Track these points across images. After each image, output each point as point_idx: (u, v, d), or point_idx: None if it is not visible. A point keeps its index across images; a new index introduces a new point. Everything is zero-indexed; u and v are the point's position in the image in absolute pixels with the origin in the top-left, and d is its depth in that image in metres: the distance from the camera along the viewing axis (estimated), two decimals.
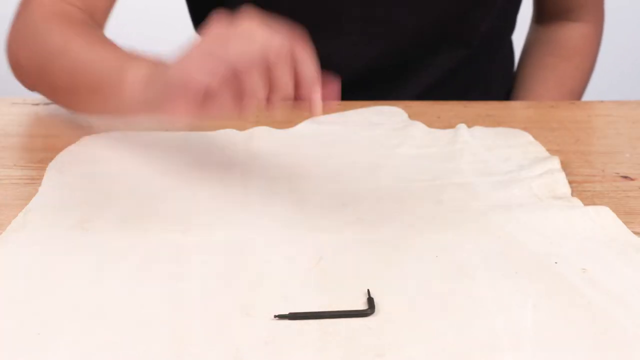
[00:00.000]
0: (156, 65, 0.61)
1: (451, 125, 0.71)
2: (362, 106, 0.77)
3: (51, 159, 0.63)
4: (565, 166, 0.61)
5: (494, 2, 0.83)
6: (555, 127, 0.73)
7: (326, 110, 0.56)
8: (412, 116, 0.74)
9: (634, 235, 0.51)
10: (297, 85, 0.53)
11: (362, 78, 0.81)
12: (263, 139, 0.68)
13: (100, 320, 0.42)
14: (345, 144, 0.67)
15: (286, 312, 0.42)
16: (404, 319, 0.42)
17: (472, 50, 0.87)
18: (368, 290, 0.44)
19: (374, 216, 0.54)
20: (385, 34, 0.83)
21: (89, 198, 0.57)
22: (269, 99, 0.52)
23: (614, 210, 0.53)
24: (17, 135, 0.71)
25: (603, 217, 0.53)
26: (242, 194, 0.58)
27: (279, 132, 0.70)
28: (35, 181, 0.60)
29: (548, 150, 0.65)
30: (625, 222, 0.52)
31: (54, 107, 0.79)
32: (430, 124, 0.71)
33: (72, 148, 0.66)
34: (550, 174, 0.59)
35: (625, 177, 0.61)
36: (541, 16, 0.96)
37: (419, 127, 0.70)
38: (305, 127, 0.71)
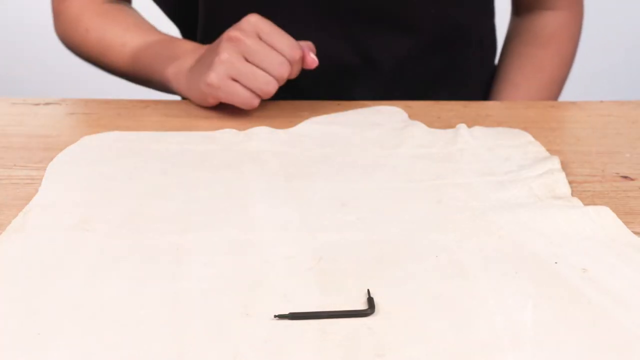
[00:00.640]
0: (193, 60, 0.77)
1: (451, 125, 0.71)
2: (361, 106, 0.77)
3: (51, 159, 0.64)
4: (565, 166, 0.61)
5: None
6: (555, 127, 0.73)
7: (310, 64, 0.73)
8: (412, 116, 0.74)
9: (634, 235, 0.51)
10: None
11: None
12: (263, 139, 0.68)
13: (100, 320, 0.42)
14: (345, 144, 0.67)
15: (286, 312, 0.42)
16: (404, 319, 0.42)
17: (425, 37, 0.86)
18: (368, 290, 0.44)
19: (374, 216, 0.54)
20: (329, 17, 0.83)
21: (89, 198, 0.57)
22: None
23: (614, 210, 0.53)
24: (17, 135, 0.71)
25: (603, 217, 0.53)
26: (242, 193, 0.58)
27: (279, 132, 0.70)
28: (35, 181, 0.60)
29: (548, 150, 0.65)
30: (625, 222, 0.52)
31: (54, 107, 0.79)
32: (430, 124, 0.71)
33: (72, 148, 0.66)
34: (550, 174, 0.59)
35: (625, 177, 0.61)
36: (518, 8, 0.96)
37: (419, 127, 0.70)
38: (305, 127, 0.71)
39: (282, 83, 0.71)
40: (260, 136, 0.68)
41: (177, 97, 0.97)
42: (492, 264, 0.47)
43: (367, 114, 0.74)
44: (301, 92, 0.83)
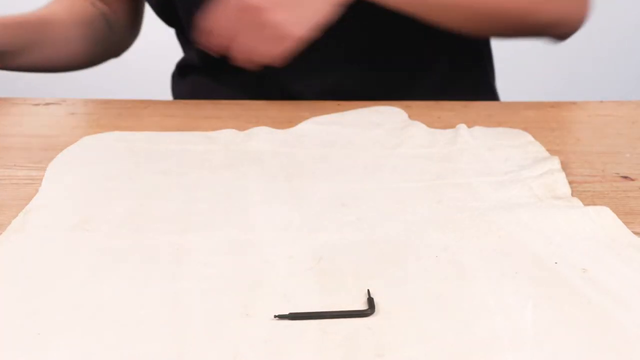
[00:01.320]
0: None
1: (451, 125, 0.71)
2: (362, 106, 0.77)
3: (51, 159, 0.64)
4: (565, 166, 0.61)
5: None
6: (555, 127, 0.73)
7: None
8: (412, 116, 0.74)
9: (634, 235, 0.51)
10: None
11: None
12: (263, 139, 0.68)
13: (100, 320, 0.42)
14: (345, 144, 0.67)
15: (286, 312, 0.42)
16: (404, 319, 0.42)
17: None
18: (368, 291, 0.44)
19: (374, 216, 0.54)
20: None
21: (89, 198, 0.57)
22: None
23: (614, 211, 0.53)
24: (17, 135, 0.71)
25: (603, 217, 0.52)
26: (242, 193, 0.58)
27: (279, 132, 0.70)
28: (35, 181, 0.60)
29: (548, 150, 0.65)
30: (626, 223, 0.52)
31: (54, 107, 0.79)
32: (430, 124, 0.71)
33: (72, 148, 0.66)
34: (550, 174, 0.59)
35: (626, 177, 0.61)
36: None
37: (419, 127, 0.70)
38: (305, 127, 0.71)
39: None
40: (260, 136, 0.68)
41: (177, 98, 0.98)
42: (492, 264, 0.47)
43: (367, 114, 0.74)
44: None
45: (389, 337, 0.41)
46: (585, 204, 0.55)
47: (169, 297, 0.44)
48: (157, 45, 1.51)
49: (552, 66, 2.15)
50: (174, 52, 1.03)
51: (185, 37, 0.94)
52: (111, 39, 0.96)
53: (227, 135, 0.69)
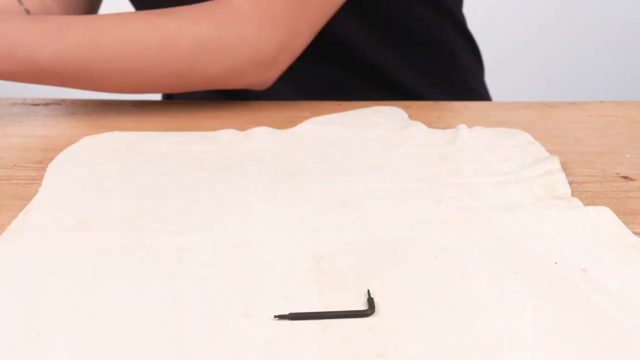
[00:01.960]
0: None
1: (451, 126, 0.71)
2: (362, 106, 0.77)
3: (51, 159, 0.64)
4: (565, 166, 0.61)
5: None
6: (555, 127, 0.73)
7: None
8: (412, 116, 0.74)
9: (634, 235, 0.51)
10: None
11: None
12: (263, 139, 0.68)
13: (100, 321, 0.42)
14: (345, 144, 0.67)
15: (286, 312, 0.42)
16: (404, 319, 0.42)
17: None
18: (368, 291, 0.44)
19: (374, 216, 0.54)
20: None
21: (89, 198, 0.57)
22: None
23: (614, 211, 0.53)
24: (17, 135, 0.71)
25: (603, 217, 0.52)
26: (242, 194, 0.58)
27: (279, 132, 0.70)
28: (35, 181, 0.60)
29: (548, 150, 0.65)
30: (626, 223, 0.52)
31: (54, 107, 0.79)
32: (430, 124, 0.71)
33: (72, 148, 0.66)
34: (550, 174, 0.59)
35: (626, 178, 0.61)
36: None
37: (419, 128, 0.70)
38: (305, 128, 0.71)
39: None
40: (261, 136, 0.68)
41: (177, 98, 0.97)
42: (492, 264, 0.47)
43: (367, 114, 0.74)
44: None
45: (389, 337, 0.41)
46: (585, 204, 0.55)
47: (169, 297, 0.44)
48: None
49: (551, 66, 2.15)
50: None
51: None
52: None
53: (227, 135, 0.69)
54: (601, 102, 0.80)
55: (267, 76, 0.76)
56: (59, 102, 0.80)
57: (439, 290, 0.45)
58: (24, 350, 0.40)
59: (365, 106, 0.77)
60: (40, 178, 0.60)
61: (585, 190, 0.59)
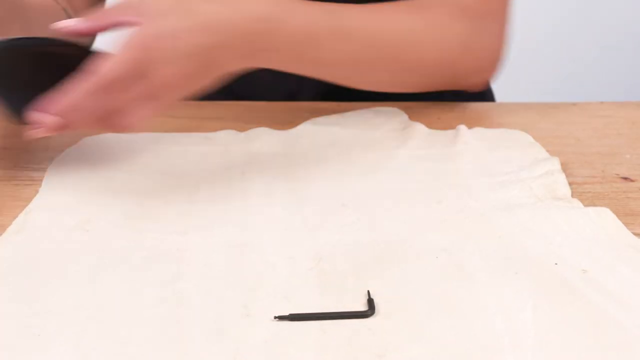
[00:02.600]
0: None
1: (451, 126, 0.71)
2: (362, 107, 0.77)
3: (52, 159, 0.64)
4: (565, 167, 0.61)
5: None
6: (555, 128, 0.73)
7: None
8: (412, 117, 0.74)
9: (634, 236, 0.51)
10: None
11: None
12: (263, 140, 0.68)
13: (100, 321, 0.42)
14: (345, 144, 0.67)
15: (286, 313, 0.42)
16: (404, 320, 0.42)
17: None
18: (368, 292, 0.44)
19: (374, 217, 0.54)
20: None
21: (89, 198, 0.57)
22: None
23: (614, 212, 0.53)
24: (17, 136, 0.71)
25: (603, 218, 0.53)
26: (242, 194, 0.58)
27: (278, 132, 0.70)
28: (35, 182, 0.60)
29: (548, 151, 0.65)
30: (626, 223, 0.52)
31: None
32: (430, 125, 0.71)
33: (72, 149, 0.66)
34: (550, 175, 0.59)
35: (626, 179, 0.61)
36: None
37: (419, 128, 0.70)
38: (305, 128, 0.71)
39: None
40: (261, 137, 0.68)
41: None
42: (492, 265, 0.47)
43: (367, 115, 0.74)
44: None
45: (389, 337, 0.41)
46: (585, 205, 0.55)
47: (169, 297, 0.44)
48: None
49: (552, 67, 2.15)
50: None
51: None
52: None
53: (228, 136, 0.69)
54: (601, 102, 0.80)
55: (493, 75, 0.77)
56: None
57: (439, 291, 0.45)
58: (24, 351, 0.40)
59: (365, 107, 0.77)
60: (41, 179, 0.60)
61: (586, 191, 0.59)
